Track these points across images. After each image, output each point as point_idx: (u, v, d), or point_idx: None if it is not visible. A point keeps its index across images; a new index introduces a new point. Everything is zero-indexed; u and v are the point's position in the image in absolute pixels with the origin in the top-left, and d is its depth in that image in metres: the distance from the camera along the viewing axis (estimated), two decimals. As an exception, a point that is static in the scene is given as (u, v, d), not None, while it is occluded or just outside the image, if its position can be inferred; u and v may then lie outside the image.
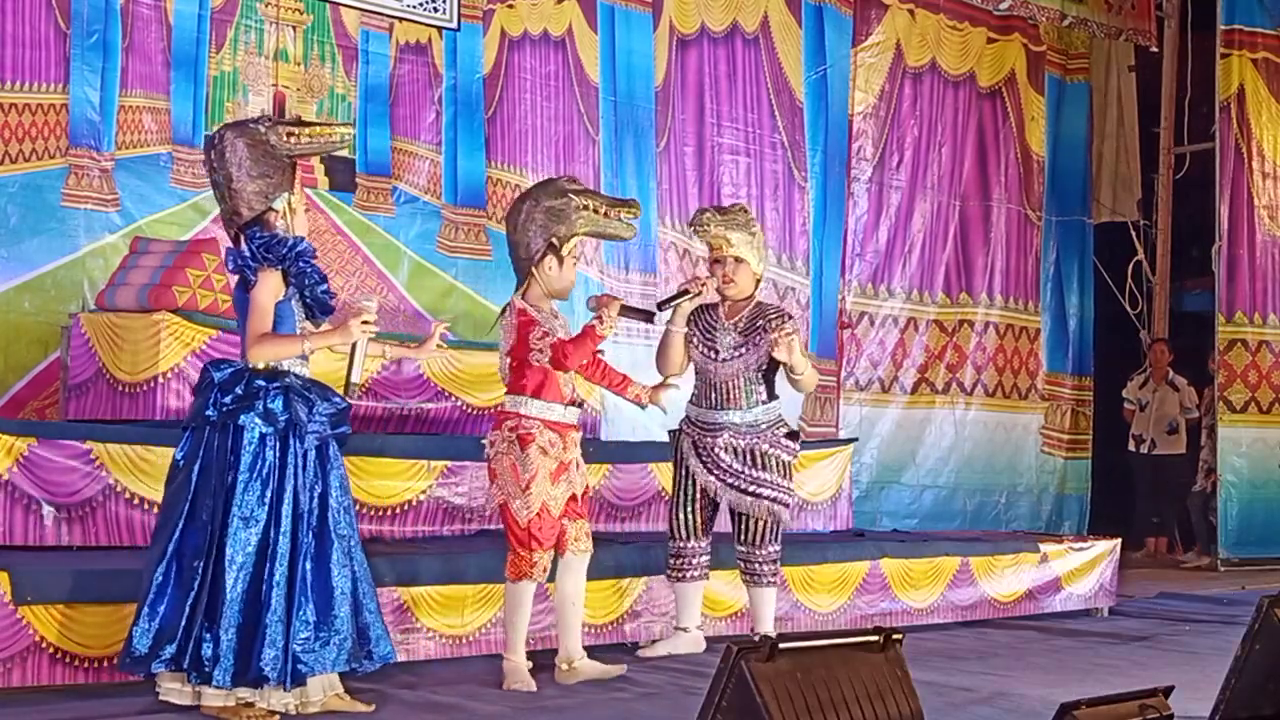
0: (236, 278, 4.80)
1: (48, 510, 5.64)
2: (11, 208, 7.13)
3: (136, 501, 5.84)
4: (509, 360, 5.47)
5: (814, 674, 3.47)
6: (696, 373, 6.19)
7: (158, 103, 7.67)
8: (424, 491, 6.73)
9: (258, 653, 4.53)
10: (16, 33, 7.20)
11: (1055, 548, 8.23)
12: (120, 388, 6.53)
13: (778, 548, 6.15)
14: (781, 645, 3.43)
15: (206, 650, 4.53)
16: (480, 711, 5.02)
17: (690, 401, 6.23)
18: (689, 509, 6.17)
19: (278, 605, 4.57)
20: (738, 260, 6.08)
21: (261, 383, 4.68)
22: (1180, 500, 11.85)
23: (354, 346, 4.74)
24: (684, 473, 6.18)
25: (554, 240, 5.47)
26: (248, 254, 4.72)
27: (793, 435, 6.20)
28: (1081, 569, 8.27)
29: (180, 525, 4.63)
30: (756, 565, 6.12)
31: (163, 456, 5.86)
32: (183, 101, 7.75)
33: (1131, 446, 11.87)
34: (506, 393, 5.50)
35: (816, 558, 7.07)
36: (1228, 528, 11.22)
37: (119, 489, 5.80)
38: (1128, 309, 12.64)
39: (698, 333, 6.11)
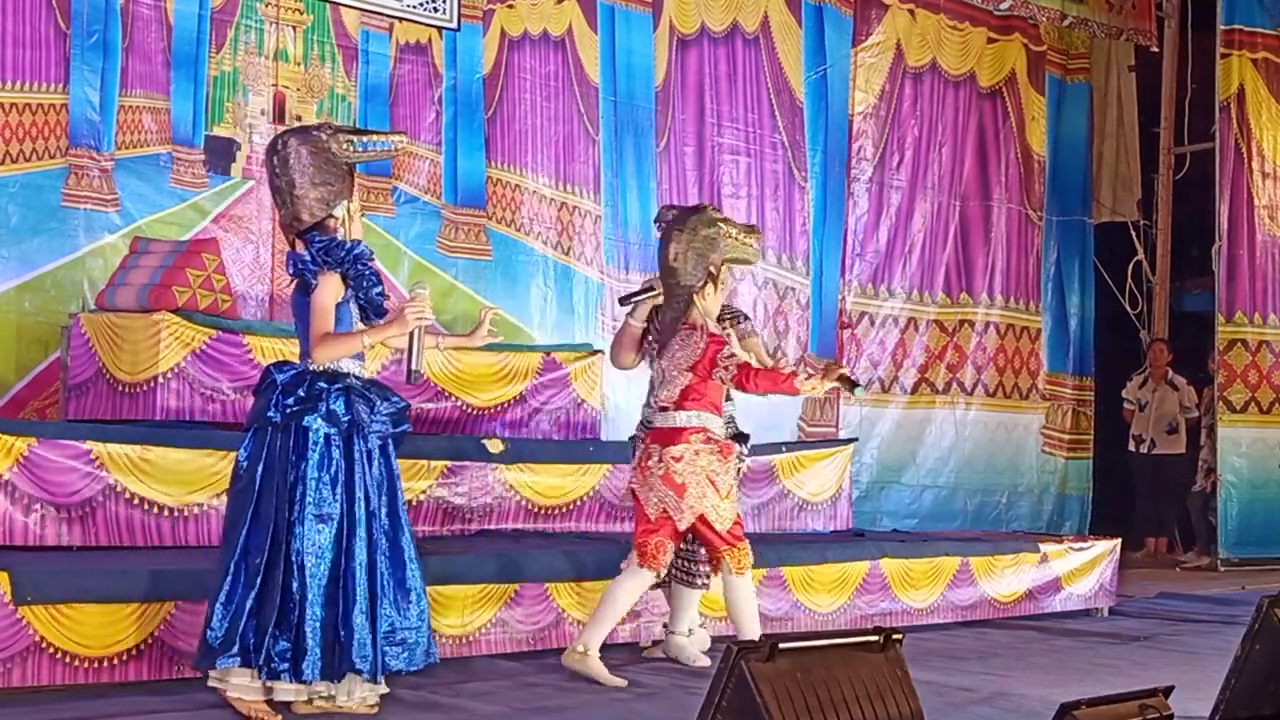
0: (296, 282, 4.86)
1: (48, 510, 5.64)
2: (12, 207, 7.13)
3: (136, 501, 5.84)
4: (689, 376, 5.60)
5: (814, 674, 3.48)
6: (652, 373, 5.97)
7: (158, 103, 7.67)
8: (424, 491, 6.74)
9: (347, 647, 4.61)
10: (16, 32, 7.20)
11: (1055, 548, 8.23)
12: (120, 388, 6.54)
13: None
14: (781, 645, 3.43)
15: (281, 646, 4.59)
16: (480, 711, 5.03)
17: (645, 404, 6.03)
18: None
19: (361, 601, 4.66)
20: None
21: (323, 384, 4.74)
22: (1180, 500, 11.85)
23: (412, 335, 4.82)
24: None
25: (712, 269, 5.64)
26: (308, 258, 4.78)
27: (741, 437, 6.08)
28: (1081, 569, 8.27)
29: (247, 525, 4.69)
30: (696, 565, 5.92)
31: (163, 456, 5.90)
32: (183, 101, 7.75)
33: (1131, 446, 11.87)
34: (684, 407, 5.62)
35: (816, 558, 7.07)
36: (1228, 528, 11.22)
37: (119, 489, 5.80)
38: (1128, 309, 12.64)
39: (654, 333, 5.89)
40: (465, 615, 5.81)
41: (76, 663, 4.85)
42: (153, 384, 6.45)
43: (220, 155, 7.79)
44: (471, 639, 5.84)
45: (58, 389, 6.92)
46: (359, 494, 4.73)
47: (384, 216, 8.43)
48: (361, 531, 4.71)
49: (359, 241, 4.89)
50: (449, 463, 6.83)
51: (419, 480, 6.72)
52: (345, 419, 4.72)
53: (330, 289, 4.77)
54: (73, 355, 6.75)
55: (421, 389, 7.29)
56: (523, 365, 7.74)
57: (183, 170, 7.71)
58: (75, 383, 6.72)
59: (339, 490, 4.71)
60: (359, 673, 4.66)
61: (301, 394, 4.72)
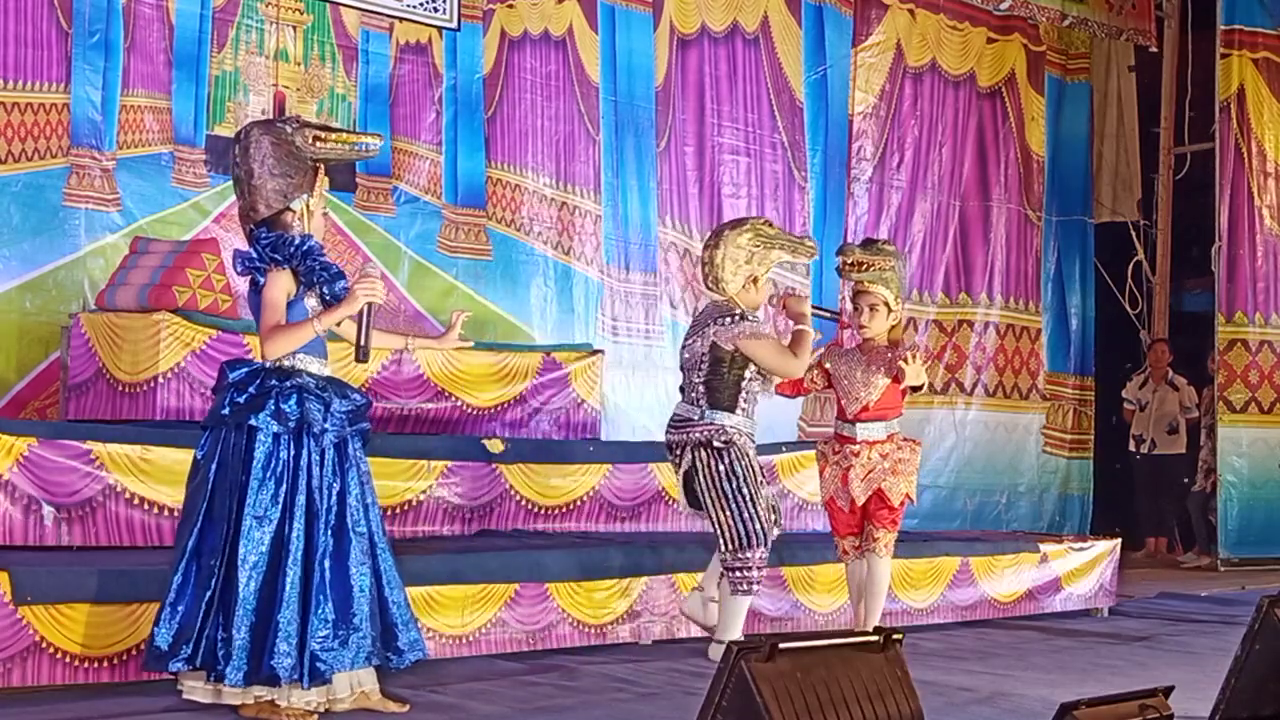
0: (248, 281, 4.81)
1: (48, 510, 5.64)
2: (13, 207, 7.13)
3: (136, 501, 5.84)
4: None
5: (814, 674, 3.47)
6: (755, 390, 6.02)
7: (159, 102, 7.67)
8: (424, 491, 6.74)
9: (270, 651, 4.54)
10: (18, 32, 7.21)
11: (1055, 548, 8.23)
12: (120, 388, 6.54)
13: None
14: (781, 645, 3.43)
15: (221, 649, 4.55)
16: (480, 711, 5.03)
17: (739, 416, 5.96)
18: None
19: (292, 604, 4.58)
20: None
21: (275, 382, 4.68)
22: (1180, 500, 11.86)
23: (362, 314, 4.72)
24: (759, 479, 6.01)
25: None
26: (255, 255, 4.73)
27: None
28: (1081, 569, 8.27)
29: (199, 524, 4.66)
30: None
31: (163, 456, 5.89)
32: (184, 101, 7.75)
33: (1131, 446, 11.87)
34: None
35: (816, 558, 7.06)
36: (1228, 528, 11.22)
37: (119, 489, 5.80)
38: (1128, 309, 12.65)
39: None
40: (465, 615, 5.81)
41: (76, 663, 4.85)
42: (153, 384, 6.45)
43: (221, 155, 7.78)
44: (471, 639, 5.84)
45: (58, 389, 6.92)
46: (301, 496, 4.64)
47: (384, 216, 8.44)
48: (300, 533, 4.63)
49: (308, 236, 4.80)
50: (449, 463, 6.82)
51: (419, 480, 6.72)
52: (294, 418, 4.65)
53: (279, 285, 4.71)
54: (73, 355, 6.75)
55: (421, 389, 7.30)
56: (523, 365, 7.74)
57: (184, 170, 7.72)
58: (75, 383, 6.73)
59: (281, 491, 4.63)
60: (276, 679, 4.55)
61: (252, 391, 4.66)
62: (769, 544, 5.94)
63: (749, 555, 5.87)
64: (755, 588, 5.96)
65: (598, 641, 6.14)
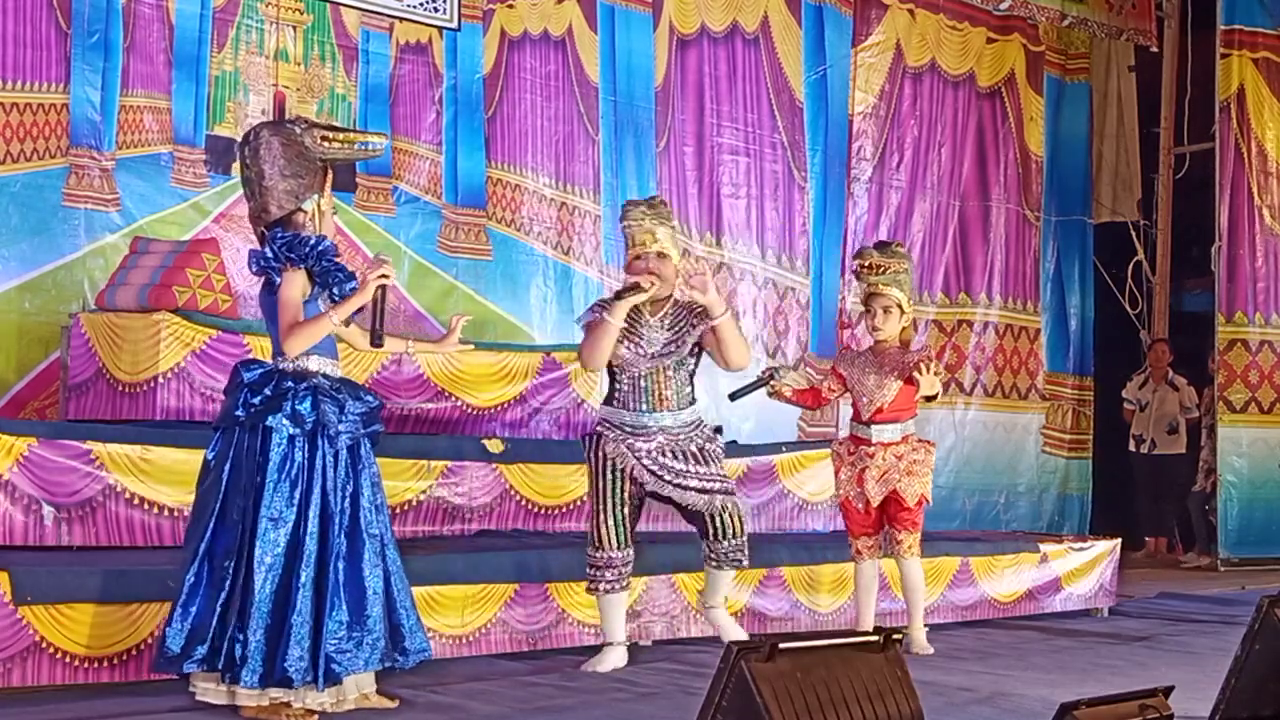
0: (262, 280, 4.82)
1: (48, 510, 5.64)
2: (12, 207, 7.13)
3: (136, 501, 5.84)
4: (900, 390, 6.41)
5: (814, 674, 3.48)
6: (622, 372, 5.80)
7: (159, 102, 7.67)
8: (424, 491, 6.74)
9: (283, 653, 4.54)
10: (17, 32, 7.21)
11: (1055, 548, 8.23)
12: (120, 388, 6.54)
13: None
14: (781, 645, 3.43)
15: (238, 650, 4.55)
16: (480, 711, 5.03)
17: (611, 405, 5.82)
18: (618, 515, 5.74)
19: (305, 606, 4.58)
20: (661, 255, 5.83)
21: (290, 384, 4.69)
22: (1180, 500, 11.86)
23: (377, 297, 4.75)
24: (613, 478, 5.74)
25: None
26: (270, 255, 4.73)
27: (718, 430, 6.03)
28: (1081, 569, 8.27)
29: (211, 525, 4.65)
30: (737, 554, 5.83)
31: (163, 456, 5.90)
32: (184, 101, 7.75)
33: (1132, 446, 11.87)
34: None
35: (816, 558, 7.07)
36: (1228, 528, 11.23)
37: (119, 489, 5.80)
38: (1128, 309, 12.65)
39: (625, 329, 5.78)
40: (465, 615, 5.82)
41: (76, 663, 4.85)
42: (153, 384, 6.45)
43: (221, 155, 7.79)
44: (471, 639, 5.85)
45: (58, 389, 6.92)
46: (316, 497, 4.65)
47: (384, 216, 8.44)
48: (315, 535, 4.63)
49: (323, 236, 4.82)
50: (449, 463, 6.83)
51: (419, 480, 6.72)
52: (310, 419, 4.66)
53: (295, 285, 4.71)
54: (73, 355, 6.75)
55: (421, 389, 7.30)
56: (523, 365, 7.75)
57: (184, 170, 7.72)
58: (75, 383, 6.73)
59: (296, 493, 4.63)
60: (290, 681, 4.55)
61: (268, 393, 4.67)
62: (614, 550, 5.71)
63: (591, 554, 5.76)
64: (603, 587, 5.75)
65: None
